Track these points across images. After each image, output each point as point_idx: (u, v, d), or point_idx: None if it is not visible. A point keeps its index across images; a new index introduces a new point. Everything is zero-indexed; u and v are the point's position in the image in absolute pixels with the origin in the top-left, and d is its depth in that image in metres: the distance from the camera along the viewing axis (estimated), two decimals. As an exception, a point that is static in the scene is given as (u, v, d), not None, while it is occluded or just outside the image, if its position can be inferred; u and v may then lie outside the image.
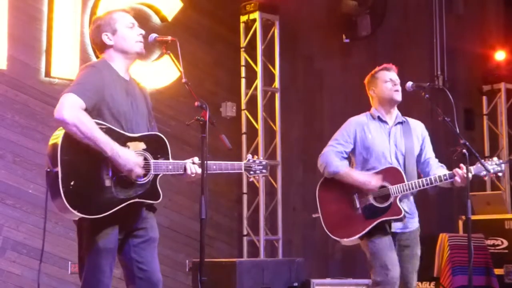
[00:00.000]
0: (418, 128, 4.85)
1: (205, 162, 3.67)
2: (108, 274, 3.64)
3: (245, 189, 8.18)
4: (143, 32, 3.84)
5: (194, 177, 3.84)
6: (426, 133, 4.87)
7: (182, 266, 7.51)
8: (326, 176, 4.75)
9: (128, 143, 3.65)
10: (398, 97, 4.72)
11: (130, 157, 3.57)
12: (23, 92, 6.60)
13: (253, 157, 4.11)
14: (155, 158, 3.71)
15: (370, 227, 4.60)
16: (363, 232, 4.61)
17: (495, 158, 4.69)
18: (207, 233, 4.08)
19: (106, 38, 3.77)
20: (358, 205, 4.64)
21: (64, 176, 3.46)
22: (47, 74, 6.74)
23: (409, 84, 4.67)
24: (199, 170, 3.80)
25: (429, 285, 6.96)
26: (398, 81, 4.74)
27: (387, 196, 4.60)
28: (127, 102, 3.73)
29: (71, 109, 3.47)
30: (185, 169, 3.79)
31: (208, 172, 3.77)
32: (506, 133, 8.86)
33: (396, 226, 4.65)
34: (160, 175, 3.73)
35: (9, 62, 6.52)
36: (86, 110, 3.53)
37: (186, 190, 7.46)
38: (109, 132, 3.58)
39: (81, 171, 3.52)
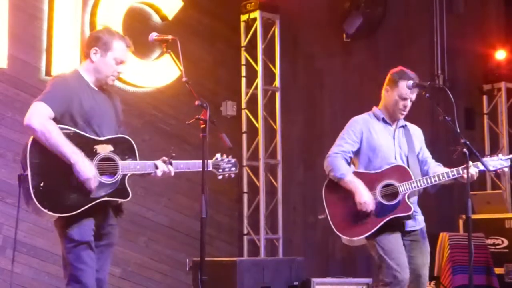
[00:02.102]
0: (417, 132, 4.91)
1: (203, 161, 3.72)
2: (91, 264, 3.82)
3: (245, 188, 8.18)
4: (122, 72, 4.03)
5: (161, 176, 3.98)
6: (423, 138, 4.93)
7: (182, 265, 7.48)
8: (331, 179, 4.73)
9: (96, 146, 3.85)
10: (401, 117, 4.76)
11: (87, 170, 3.74)
12: (23, 91, 6.60)
13: (221, 156, 4.20)
14: (123, 159, 3.90)
15: (380, 224, 4.58)
16: (374, 230, 4.58)
17: (500, 154, 4.69)
18: (207, 232, 4.09)
19: (93, 54, 3.95)
20: None
21: (33, 177, 3.68)
22: (48, 73, 6.74)
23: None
24: (166, 169, 3.95)
25: (430, 284, 6.95)
26: (411, 102, 4.72)
27: (395, 194, 4.60)
28: (95, 108, 3.91)
29: (40, 118, 3.71)
30: (156, 167, 3.94)
31: (176, 170, 3.99)
32: (506, 132, 8.86)
33: (409, 225, 4.65)
34: (129, 174, 3.90)
35: (9, 61, 6.52)
36: (55, 118, 3.75)
37: (186, 189, 7.46)
38: (76, 137, 3.78)
39: (51, 172, 3.73)
